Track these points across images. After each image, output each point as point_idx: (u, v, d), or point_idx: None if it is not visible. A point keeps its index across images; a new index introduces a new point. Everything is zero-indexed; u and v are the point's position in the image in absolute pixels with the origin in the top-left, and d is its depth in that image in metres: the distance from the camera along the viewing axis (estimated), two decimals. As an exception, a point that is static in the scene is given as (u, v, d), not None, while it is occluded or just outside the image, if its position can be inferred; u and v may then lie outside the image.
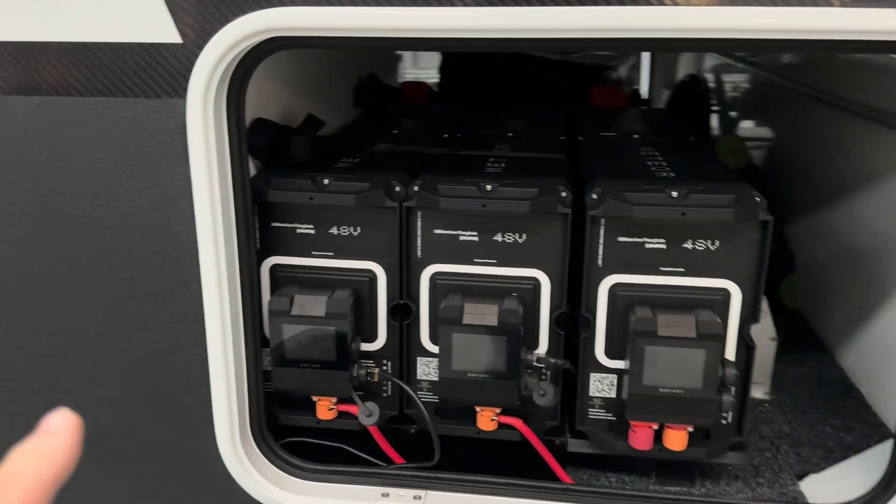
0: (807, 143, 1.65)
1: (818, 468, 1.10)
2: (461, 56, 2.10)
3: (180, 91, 0.85)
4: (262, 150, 1.02)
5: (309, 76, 1.27)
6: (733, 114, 2.38)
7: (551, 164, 1.13)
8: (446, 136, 1.38)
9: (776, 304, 1.57)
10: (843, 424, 1.21)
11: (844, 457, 1.12)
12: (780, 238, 1.66)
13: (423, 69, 3.05)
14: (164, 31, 0.84)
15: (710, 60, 2.65)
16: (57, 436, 0.37)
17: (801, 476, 1.09)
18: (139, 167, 0.88)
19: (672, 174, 1.04)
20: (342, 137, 1.28)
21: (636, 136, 1.36)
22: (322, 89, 1.35)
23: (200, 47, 0.83)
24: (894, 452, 0.93)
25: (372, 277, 1.00)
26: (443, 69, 2.16)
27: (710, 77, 2.55)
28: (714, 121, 2.51)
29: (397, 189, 0.98)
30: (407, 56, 2.63)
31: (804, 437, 1.18)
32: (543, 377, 1.01)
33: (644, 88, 2.96)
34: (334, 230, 1.00)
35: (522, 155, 1.18)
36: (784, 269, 1.60)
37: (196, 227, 0.88)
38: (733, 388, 0.97)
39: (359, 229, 0.99)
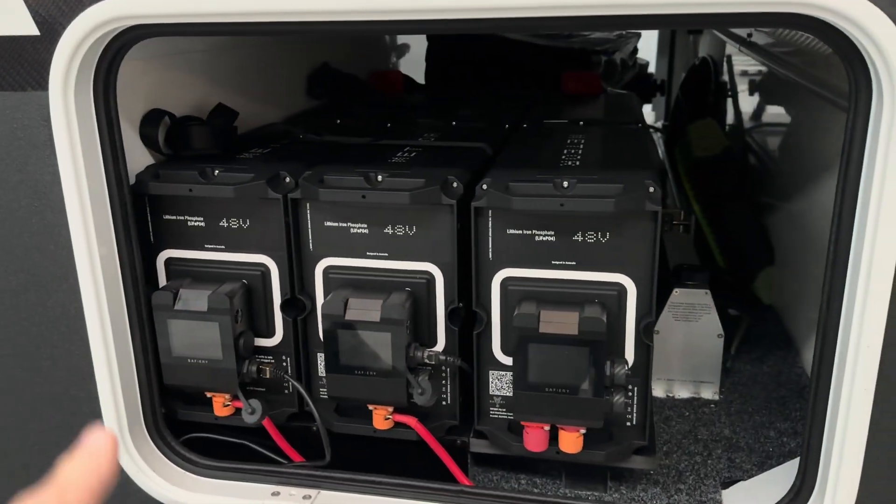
0: (800, 133, 1.54)
1: (748, 475, 1.03)
2: (446, 43, 2.05)
3: (42, 83, 0.84)
4: (156, 141, 1.01)
5: (236, 65, 1.25)
6: (746, 100, 2.26)
7: (466, 153, 1.09)
8: (390, 125, 1.35)
9: (752, 299, 1.49)
10: (790, 429, 1.12)
11: (779, 464, 1.04)
12: (760, 229, 1.57)
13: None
14: (22, 23, 0.83)
15: (729, 49, 2.53)
16: (100, 452, 0.42)
17: (728, 484, 1.02)
18: (11, 160, 0.89)
19: (578, 163, 0.98)
20: (259, 128, 1.26)
21: (582, 122, 1.30)
22: (257, 79, 1.33)
23: (56, 39, 0.82)
24: (801, 463, 0.86)
25: (264, 271, 0.98)
26: (428, 56, 2.12)
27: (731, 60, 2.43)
28: (729, 105, 2.40)
29: (286, 180, 0.96)
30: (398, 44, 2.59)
31: (743, 441, 1.10)
32: (443, 376, 0.98)
33: (656, 71, 2.85)
34: (224, 223, 0.98)
35: (442, 144, 1.14)
36: (762, 261, 1.50)
37: (68, 220, 0.88)
38: (630, 389, 0.91)
39: (248, 221, 0.97)
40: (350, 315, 0.92)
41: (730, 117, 2.35)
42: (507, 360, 0.95)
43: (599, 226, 0.87)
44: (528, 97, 1.65)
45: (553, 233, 0.89)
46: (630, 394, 0.92)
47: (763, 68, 1.97)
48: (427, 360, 0.94)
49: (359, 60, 1.79)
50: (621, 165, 0.97)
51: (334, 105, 1.57)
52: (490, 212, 0.90)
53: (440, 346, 0.97)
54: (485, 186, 0.90)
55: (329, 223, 0.96)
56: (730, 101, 2.36)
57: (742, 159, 1.67)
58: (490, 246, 0.91)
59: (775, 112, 1.76)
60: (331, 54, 1.60)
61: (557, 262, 0.90)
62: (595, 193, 0.86)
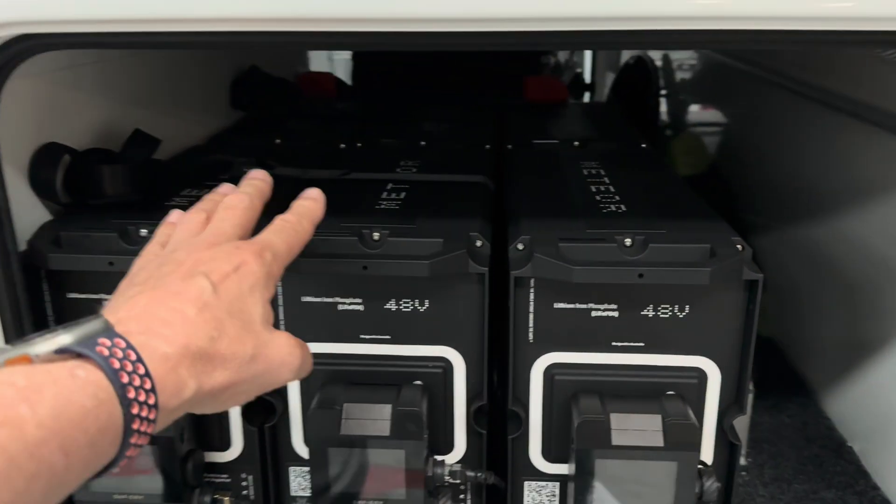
0: (774, 137, 1.41)
1: (814, 569, 0.87)
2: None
3: None
4: (53, 188, 0.72)
5: (147, 75, 0.96)
6: (684, 100, 2.14)
7: (467, 192, 0.86)
8: (343, 146, 1.10)
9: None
10: (839, 500, 0.97)
11: (846, 552, 0.89)
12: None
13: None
14: None
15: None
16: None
17: (796, 583, 0.86)
18: None
19: (622, 207, 0.78)
20: (190, 158, 0.98)
21: (577, 143, 1.10)
22: (173, 93, 1.04)
23: None
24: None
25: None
26: (356, 54, 1.87)
27: (656, 58, 2.30)
28: (663, 108, 2.28)
29: (246, 242, 0.70)
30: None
31: (793, 521, 0.94)
32: (461, 489, 0.75)
33: (587, 72, 2.71)
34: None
35: (431, 178, 0.91)
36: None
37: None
38: (715, 503, 0.72)
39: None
40: (347, 428, 0.67)
41: (670, 119, 2.23)
42: (549, 468, 0.73)
43: (678, 297, 0.67)
44: (487, 105, 1.43)
45: (616, 306, 0.68)
46: (715, 508, 0.73)
47: (715, 63, 1.84)
48: (450, 479, 0.71)
49: (284, 61, 1.51)
50: (679, 211, 0.78)
51: (264, 117, 1.29)
52: (532, 281, 0.68)
53: (458, 453, 0.74)
54: (521, 246, 0.68)
55: (308, 299, 0.71)
56: (668, 101, 2.24)
57: (728, 174, 1.52)
58: (531, 324, 0.69)
59: (740, 112, 1.63)
60: (257, 55, 1.32)
61: (619, 344, 0.69)
62: (677, 260, 0.66)
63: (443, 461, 0.71)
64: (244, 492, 0.76)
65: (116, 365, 0.38)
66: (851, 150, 1.10)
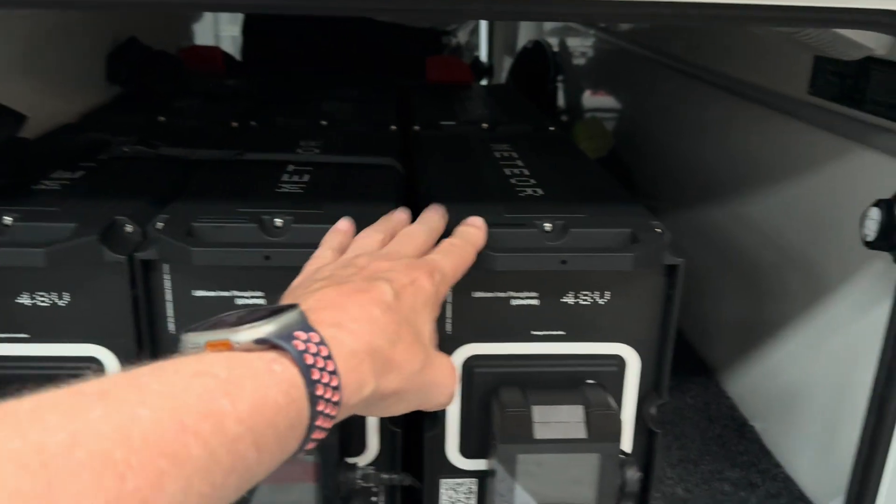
0: (673, 122, 1.43)
1: (725, 550, 0.88)
2: (269, 14, 1.71)
3: None
4: None
5: (12, 48, 0.85)
6: (582, 85, 2.16)
7: (376, 176, 0.81)
8: (235, 124, 1.02)
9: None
10: (744, 479, 0.99)
11: (751, 529, 0.91)
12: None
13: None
14: None
15: (553, 24, 2.42)
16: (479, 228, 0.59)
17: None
18: None
19: (539, 191, 0.75)
20: (62, 137, 0.88)
21: (485, 125, 1.06)
22: (40, 65, 0.93)
23: None
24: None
25: (98, 372, 0.64)
26: (246, 29, 1.76)
27: (554, 43, 2.31)
28: (560, 93, 2.29)
29: (127, 230, 0.62)
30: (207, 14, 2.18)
31: (701, 501, 0.95)
32: (373, 492, 0.70)
33: (483, 55, 2.69)
34: (25, 299, 0.62)
35: (336, 160, 0.85)
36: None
37: None
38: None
39: (66, 297, 0.62)
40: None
41: (567, 104, 2.25)
42: (467, 465, 0.70)
43: (600, 284, 0.65)
44: (388, 86, 1.37)
45: (537, 294, 0.65)
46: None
47: (611, 48, 1.86)
48: (362, 482, 0.66)
49: (166, 33, 1.40)
50: (597, 195, 0.75)
51: (144, 93, 1.19)
52: (450, 270, 0.64)
53: (370, 454, 0.69)
54: (437, 233, 0.64)
55: (200, 292, 0.64)
56: (565, 87, 2.26)
57: (629, 159, 1.54)
58: (449, 315, 0.65)
59: (638, 97, 1.65)
60: (136, 25, 1.21)
61: (540, 332, 0.66)
62: (600, 244, 0.63)
63: (354, 464, 0.67)
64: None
65: (310, 361, 0.39)
66: (750, 133, 1.12)
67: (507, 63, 2.58)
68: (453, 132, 1.02)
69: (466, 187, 0.77)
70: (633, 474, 0.66)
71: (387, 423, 0.68)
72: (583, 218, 0.66)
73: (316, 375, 0.39)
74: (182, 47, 1.49)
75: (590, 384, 0.66)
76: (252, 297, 0.64)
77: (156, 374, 0.34)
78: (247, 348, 0.39)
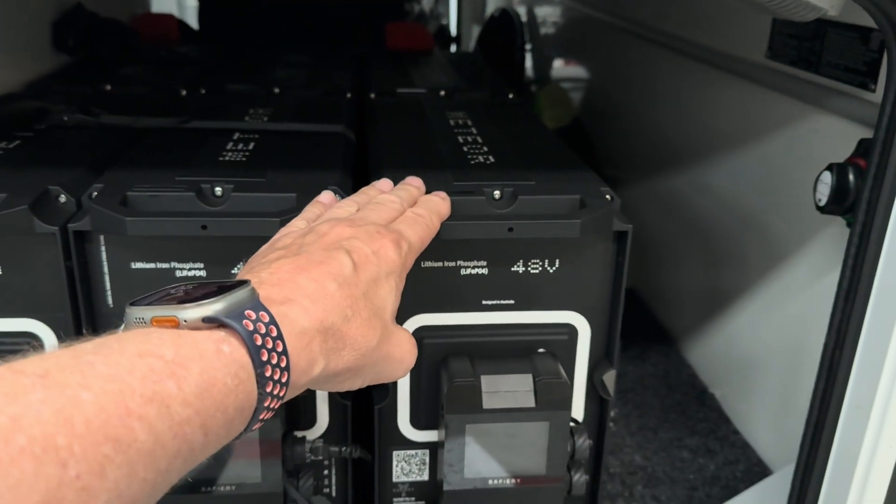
0: (636, 89, 1.42)
1: (680, 514, 0.89)
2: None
3: None
4: None
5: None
6: (549, 53, 2.14)
7: (324, 143, 0.79)
8: (184, 92, 0.99)
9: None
10: (702, 446, 1.00)
11: (707, 495, 0.91)
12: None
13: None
14: None
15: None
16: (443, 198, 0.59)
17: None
18: None
19: (490, 158, 0.73)
20: (1, 105, 0.85)
21: (443, 92, 1.04)
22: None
23: None
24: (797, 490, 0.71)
25: (35, 344, 0.62)
26: (204, -2, 1.71)
27: (521, 12, 2.28)
28: (528, 62, 2.26)
29: (60, 200, 0.60)
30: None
31: (660, 468, 0.96)
32: (324, 465, 0.69)
33: (452, 25, 2.66)
34: (-46, 274, 0.60)
35: (284, 127, 0.82)
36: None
37: None
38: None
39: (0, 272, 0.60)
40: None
41: (535, 73, 2.23)
42: (418, 436, 0.69)
43: (549, 252, 0.64)
44: (348, 53, 1.35)
45: (485, 263, 0.64)
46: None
47: (578, 16, 1.84)
48: (312, 456, 0.65)
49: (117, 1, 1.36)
50: (548, 163, 0.74)
51: (92, 62, 1.15)
52: (397, 239, 0.62)
53: (320, 428, 0.68)
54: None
55: (138, 265, 0.62)
56: (533, 55, 2.23)
57: (591, 128, 1.52)
58: (396, 286, 0.64)
59: (602, 65, 1.63)
60: (83, -9, 1.17)
61: (490, 303, 0.65)
62: (547, 211, 0.62)
63: (303, 437, 0.66)
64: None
65: (259, 341, 0.37)
66: (709, 99, 1.11)
67: (475, 32, 2.54)
68: (409, 99, 1.00)
69: (417, 155, 0.75)
70: (583, 442, 0.66)
71: (336, 396, 0.67)
72: (532, 185, 0.65)
73: (265, 356, 0.37)
74: (136, 15, 1.44)
75: (540, 353, 0.66)
76: (192, 268, 0.62)
77: (99, 353, 0.32)
78: (194, 326, 0.37)
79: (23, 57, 1.02)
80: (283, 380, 0.38)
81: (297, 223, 0.54)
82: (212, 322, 0.37)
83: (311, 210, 0.57)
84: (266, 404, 0.38)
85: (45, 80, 1.02)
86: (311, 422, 0.68)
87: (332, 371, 0.43)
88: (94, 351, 0.32)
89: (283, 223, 0.58)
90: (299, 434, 0.66)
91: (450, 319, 0.65)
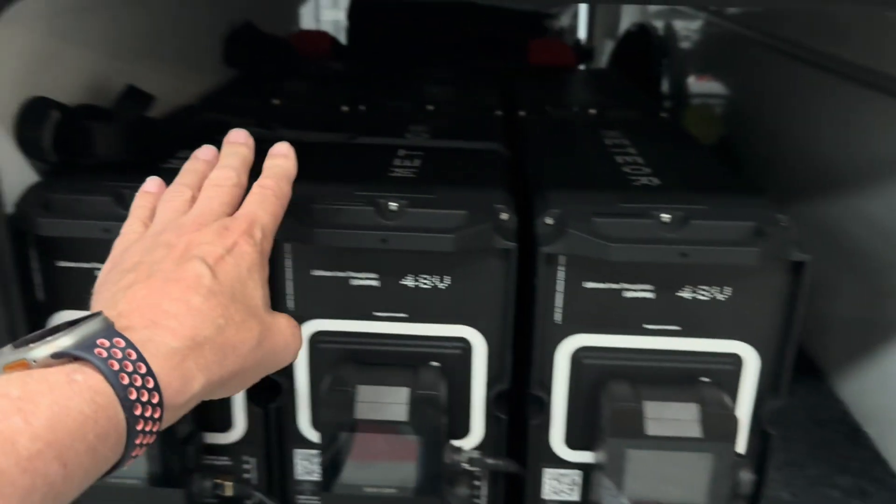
0: (787, 110, 1.36)
1: (833, 559, 0.85)
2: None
3: None
4: (42, 147, 0.66)
5: (139, 31, 0.89)
6: (688, 70, 2.09)
7: (481, 160, 0.80)
8: (346, 108, 1.04)
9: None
10: (855, 486, 0.95)
11: (864, 540, 0.86)
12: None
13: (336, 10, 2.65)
14: None
15: (658, 7, 2.34)
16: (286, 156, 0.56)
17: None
18: None
19: (654, 180, 0.73)
20: (184, 117, 0.91)
21: (592, 110, 1.04)
22: (164, 48, 0.97)
23: None
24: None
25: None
26: (352, 14, 1.78)
27: (659, 26, 2.24)
28: (666, 78, 2.22)
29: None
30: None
31: (809, 507, 0.92)
32: (476, 484, 0.71)
33: (583, 38, 2.64)
34: None
35: (444, 144, 0.85)
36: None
37: None
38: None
39: (194, 273, 0.65)
40: (361, 412, 0.63)
41: (672, 90, 2.18)
42: (571, 456, 0.69)
43: (720, 278, 0.63)
44: (491, 69, 1.37)
45: (652, 287, 0.64)
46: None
47: (722, 32, 1.79)
48: (467, 465, 0.67)
49: (277, 18, 1.44)
50: (716, 186, 0.73)
51: (256, 76, 1.22)
52: (563, 258, 0.63)
53: (475, 439, 0.70)
54: (550, 221, 0.64)
55: (319, 273, 0.65)
56: (671, 73, 2.19)
57: (738, 148, 1.48)
58: (559, 305, 0.65)
59: (748, 83, 1.58)
60: (250, 10, 1.25)
61: (653, 327, 0.65)
62: (722, 237, 0.61)
63: (460, 447, 0.67)
64: (246, 475, 0.72)
65: (116, 366, 0.36)
66: (870, 122, 1.05)
67: (608, 46, 2.52)
68: (559, 117, 1.01)
69: (577, 175, 0.76)
70: (746, 476, 0.64)
71: (492, 410, 0.68)
72: (703, 209, 0.64)
73: (125, 380, 0.36)
74: (292, 32, 1.53)
75: (704, 382, 0.65)
76: (367, 278, 0.65)
77: None
78: (45, 364, 0.36)
79: (200, 71, 1.10)
80: (155, 401, 0.38)
81: (133, 226, 0.52)
82: (63, 357, 0.36)
83: (142, 205, 0.53)
84: (140, 428, 0.37)
85: (217, 93, 1.09)
86: (466, 431, 0.69)
87: (216, 382, 0.42)
88: None
89: (458, 241, 0.60)
90: (456, 443, 0.68)
91: (610, 342, 0.65)
